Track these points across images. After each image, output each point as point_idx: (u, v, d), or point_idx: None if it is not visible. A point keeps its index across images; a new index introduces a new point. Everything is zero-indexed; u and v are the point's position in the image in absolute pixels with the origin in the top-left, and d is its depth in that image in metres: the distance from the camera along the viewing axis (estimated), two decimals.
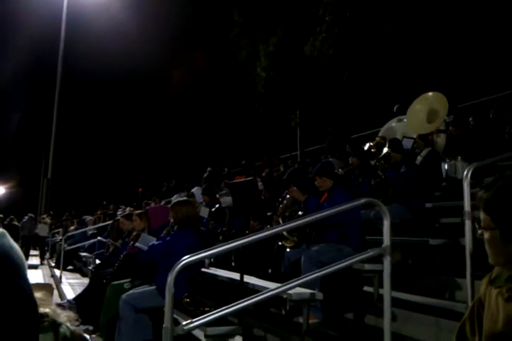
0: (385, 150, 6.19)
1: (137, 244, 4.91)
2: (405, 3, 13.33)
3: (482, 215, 1.58)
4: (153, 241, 4.70)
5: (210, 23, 24.26)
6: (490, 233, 1.54)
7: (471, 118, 7.71)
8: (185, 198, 5.98)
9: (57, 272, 10.87)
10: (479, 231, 1.60)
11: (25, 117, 31.30)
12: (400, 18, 13.38)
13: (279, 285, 3.09)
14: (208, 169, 13.78)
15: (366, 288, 4.58)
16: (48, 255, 17.23)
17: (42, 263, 15.84)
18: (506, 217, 1.50)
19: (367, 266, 4.14)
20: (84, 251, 11.61)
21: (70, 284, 9.48)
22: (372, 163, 6.83)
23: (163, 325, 2.59)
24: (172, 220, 4.77)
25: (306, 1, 16.14)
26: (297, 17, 16.59)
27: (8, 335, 0.83)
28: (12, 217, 17.01)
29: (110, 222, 9.81)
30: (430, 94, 7.85)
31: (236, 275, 4.59)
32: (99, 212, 16.19)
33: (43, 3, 19.78)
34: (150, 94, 31.48)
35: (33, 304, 0.91)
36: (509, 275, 1.55)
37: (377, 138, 7.10)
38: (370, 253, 3.07)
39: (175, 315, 3.39)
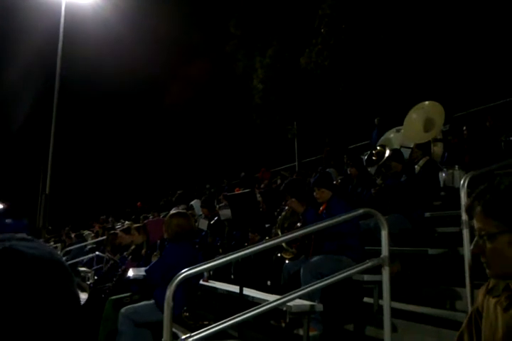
0: (386, 154, 6.28)
1: (131, 275, 4.87)
2: (400, 15, 13.44)
3: (482, 223, 1.45)
4: (142, 271, 4.66)
5: (207, 36, 24.48)
6: (498, 239, 1.41)
7: (464, 128, 7.73)
8: (181, 211, 5.95)
9: None
10: (480, 243, 1.45)
11: (22, 132, 31.33)
12: (395, 29, 13.49)
13: (279, 297, 3.06)
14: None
15: (366, 299, 4.56)
16: None
17: None
18: None
19: (366, 277, 4.13)
20: (82, 266, 11.53)
21: None
22: (372, 170, 6.92)
23: (162, 340, 2.57)
24: (165, 234, 4.69)
25: (301, 13, 16.28)
26: (293, 29, 16.72)
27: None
28: None
29: None
30: (426, 103, 7.88)
31: (235, 288, 4.56)
32: (96, 227, 16.10)
33: (40, 13, 19.99)
34: (147, 108, 31.60)
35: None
36: (506, 285, 1.55)
37: (379, 148, 7.25)
38: (368, 263, 3.06)
39: (174, 329, 3.36)
